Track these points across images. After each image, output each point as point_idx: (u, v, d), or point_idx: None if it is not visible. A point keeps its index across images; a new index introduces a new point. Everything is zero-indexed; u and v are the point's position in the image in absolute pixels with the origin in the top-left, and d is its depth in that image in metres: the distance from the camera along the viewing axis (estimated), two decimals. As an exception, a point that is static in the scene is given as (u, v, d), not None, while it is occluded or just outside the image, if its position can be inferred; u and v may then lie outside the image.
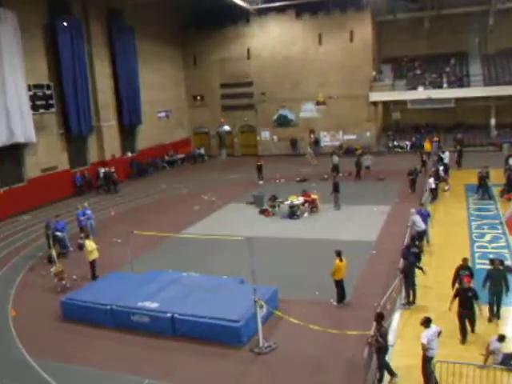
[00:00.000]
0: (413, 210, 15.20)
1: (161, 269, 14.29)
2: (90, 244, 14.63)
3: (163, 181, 30.27)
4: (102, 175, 27.92)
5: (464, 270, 11.15)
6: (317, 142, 35.60)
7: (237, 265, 14.52)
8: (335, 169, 26.93)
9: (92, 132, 28.83)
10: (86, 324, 11.84)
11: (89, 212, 18.93)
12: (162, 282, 12.78)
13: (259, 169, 27.74)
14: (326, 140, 35.59)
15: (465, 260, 11.53)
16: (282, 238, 17.50)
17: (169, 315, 11.06)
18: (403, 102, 34.29)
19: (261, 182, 27.40)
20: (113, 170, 28.14)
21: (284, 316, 10.87)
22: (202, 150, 37.27)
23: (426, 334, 8.99)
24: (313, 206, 20.54)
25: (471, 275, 11.09)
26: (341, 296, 12.13)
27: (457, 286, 10.81)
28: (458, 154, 26.74)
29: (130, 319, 11.47)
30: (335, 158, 27.60)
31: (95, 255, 14.74)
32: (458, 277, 11.08)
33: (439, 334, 9.17)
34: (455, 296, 10.41)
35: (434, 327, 9.14)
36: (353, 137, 34.76)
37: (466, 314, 10.31)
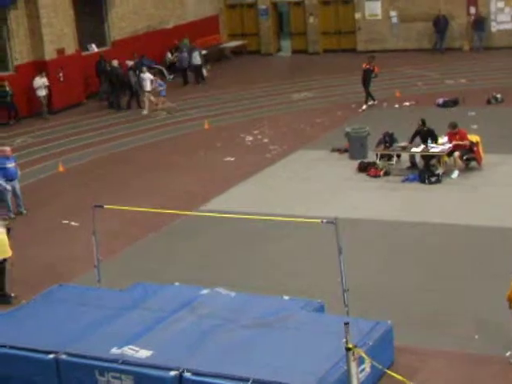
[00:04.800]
0: None
1: (157, 280, 14.52)
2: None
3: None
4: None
5: None
6: (480, 24, 35.10)
7: (310, 274, 14.93)
8: None
9: (14, 2, 29.19)
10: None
11: (11, 166, 19.55)
12: (159, 308, 12.98)
13: (365, 79, 27.74)
14: (503, 19, 35.33)
15: None
16: (403, 222, 17.86)
17: (173, 374, 11.17)
18: None
19: (365, 107, 27.72)
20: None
21: (409, 383, 10.65)
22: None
23: None
24: (470, 158, 20.51)
25: None
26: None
27: None
28: None
29: (94, 381, 11.57)
30: None
31: (5, 253, 15.04)
32: None
33: None
34: None
35: None
36: None
37: None
